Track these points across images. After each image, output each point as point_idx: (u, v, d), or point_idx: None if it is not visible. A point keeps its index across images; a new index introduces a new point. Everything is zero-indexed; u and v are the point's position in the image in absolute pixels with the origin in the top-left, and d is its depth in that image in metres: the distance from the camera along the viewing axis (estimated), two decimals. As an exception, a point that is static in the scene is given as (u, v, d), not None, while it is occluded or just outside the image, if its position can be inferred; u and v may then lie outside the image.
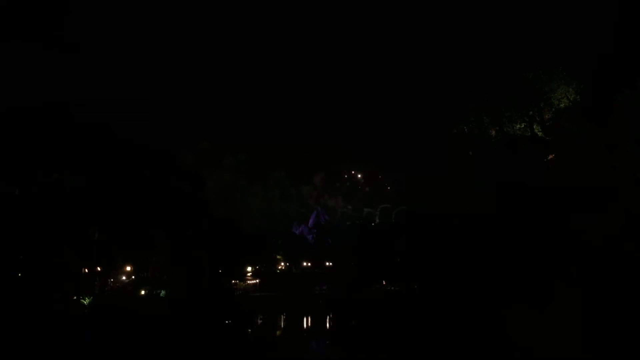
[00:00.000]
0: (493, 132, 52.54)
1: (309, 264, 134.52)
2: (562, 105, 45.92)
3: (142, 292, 60.68)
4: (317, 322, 66.52)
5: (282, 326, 64.66)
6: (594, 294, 36.14)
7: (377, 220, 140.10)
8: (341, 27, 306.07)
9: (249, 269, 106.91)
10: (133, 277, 65.09)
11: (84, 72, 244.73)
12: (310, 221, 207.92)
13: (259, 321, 64.75)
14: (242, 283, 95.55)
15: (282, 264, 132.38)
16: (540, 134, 48.66)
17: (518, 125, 50.73)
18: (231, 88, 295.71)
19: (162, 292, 60.56)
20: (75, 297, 47.72)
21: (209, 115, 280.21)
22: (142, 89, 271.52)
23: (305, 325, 64.72)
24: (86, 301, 47.91)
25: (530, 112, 49.25)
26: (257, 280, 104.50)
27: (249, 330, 57.46)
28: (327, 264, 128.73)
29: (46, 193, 45.94)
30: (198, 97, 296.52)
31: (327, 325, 65.23)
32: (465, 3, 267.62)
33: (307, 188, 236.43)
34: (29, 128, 46.56)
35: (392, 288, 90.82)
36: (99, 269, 57.27)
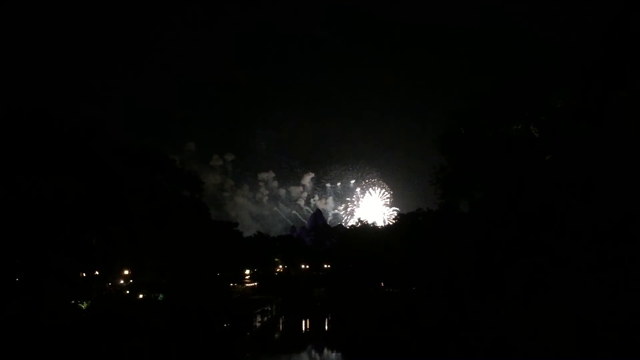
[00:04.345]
0: (490, 134, 52.57)
1: (307, 267, 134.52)
2: (558, 106, 45.99)
3: (140, 296, 60.49)
4: (316, 325, 66.45)
5: (281, 329, 64.56)
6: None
7: (374, 222, 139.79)
8: (331, 23, 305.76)
9: (247, 271, 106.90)
10: (131, 280, 64.89)
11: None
12: (308, 223, 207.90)
13: (258, 324, 64.66)
14: (240, 286, 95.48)
15: (280, 266, 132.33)
16: (536, 135, 48.73)
17: (514, 127, 50.77)
18: (217, 85, 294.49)
19: (160, 296, 60.38)
20: (72, 302, 47.55)
21: (194, 115, 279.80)
22: (132, 90, 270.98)
23: (304, 328, 64.64)
24: (84, 305, 47.74)
25: (527, 113, 49.30)
26: (256, 283, 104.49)
27: (248, 333, 57.39)
28: (326, 266, 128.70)
29: (43, 197, 45.85)
30: (184, 97, 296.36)
31: (326, 327, 65.16)
32: (460, 4, 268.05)
33: (296, 189, 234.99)
34: (20, 132, 46.53)
35: (391, 290, 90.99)
36: (96, 273, 57.12)
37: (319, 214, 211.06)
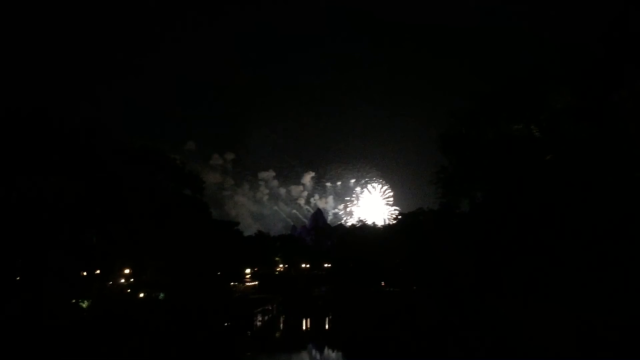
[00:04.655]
0: (490, 133, 52.55)
1: (308, 266, 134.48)
2: (558, 106, 45.94)
3: (141, 295, 60.54)
4: (316, 324, 66.50)
5: (281, 328, 64.60)
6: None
7: (374, 222, 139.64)
8: (331, 23, 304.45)
9: (248, 271, 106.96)
10: (131, 280, 64.96)
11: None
12: (309, 223, 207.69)
13: (258, 323, 64.70)
14: (241, 285, 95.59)
15: (281, 266, 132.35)
16: (537, 134, 48.70)
17: (515, 126, 50.74)
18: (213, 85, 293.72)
19: (161, 295, 60.44)
20: (73, 301, 47.63)
21: (194, 115, 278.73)
22: (132, 90, 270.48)
23: (304, 328, 64.68)
24: (84, 305, 47.81)
25: (527, 113, 49.24)
26: (256, 283, 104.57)
27: (248, 332, 57.43)
28: (326, 265, 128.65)
29: (43, 197, 45.88)
30: (183, 97, 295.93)
31: (326, 327, 65.19)
32: (460, 4, 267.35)
33: (296, 188, 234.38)
34: (20, 132, 46.55)
35: (391, 289, 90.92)
36: (97, 272, 57.17)
37: (319, 213, 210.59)
